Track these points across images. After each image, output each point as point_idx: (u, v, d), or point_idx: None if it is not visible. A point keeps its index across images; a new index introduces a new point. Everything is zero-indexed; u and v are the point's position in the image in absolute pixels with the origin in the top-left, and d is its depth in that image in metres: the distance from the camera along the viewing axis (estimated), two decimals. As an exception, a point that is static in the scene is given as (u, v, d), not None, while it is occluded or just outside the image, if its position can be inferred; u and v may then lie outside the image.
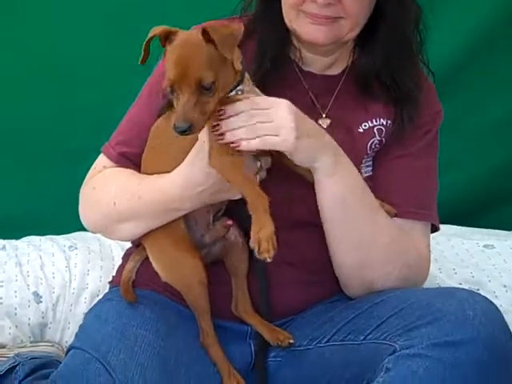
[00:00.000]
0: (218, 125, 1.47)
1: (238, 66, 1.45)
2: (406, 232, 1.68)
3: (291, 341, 1.63)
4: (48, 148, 2.55)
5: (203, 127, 1.44)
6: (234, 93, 1.49)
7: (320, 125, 1.67)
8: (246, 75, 1.52)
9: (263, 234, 1.39)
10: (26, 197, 2.58)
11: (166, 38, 1.43)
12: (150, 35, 1.43)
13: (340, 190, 1.59)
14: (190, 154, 1.55)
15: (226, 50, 1.39)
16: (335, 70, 1.73)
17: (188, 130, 1.38)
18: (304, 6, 1.60)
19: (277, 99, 1.50)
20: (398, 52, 1.67)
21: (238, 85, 1.49)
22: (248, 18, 1.71)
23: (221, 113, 1.46)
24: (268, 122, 1.47)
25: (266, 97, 1.51)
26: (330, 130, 1.65)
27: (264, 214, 1.41)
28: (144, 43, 1.44)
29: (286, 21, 1.64)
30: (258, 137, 1.46)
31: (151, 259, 1.66)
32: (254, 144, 1.46)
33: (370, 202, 1.63)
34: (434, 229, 1.77)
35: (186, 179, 1.56)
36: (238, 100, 1.48)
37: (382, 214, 1.65)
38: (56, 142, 2.55)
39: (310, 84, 1.71)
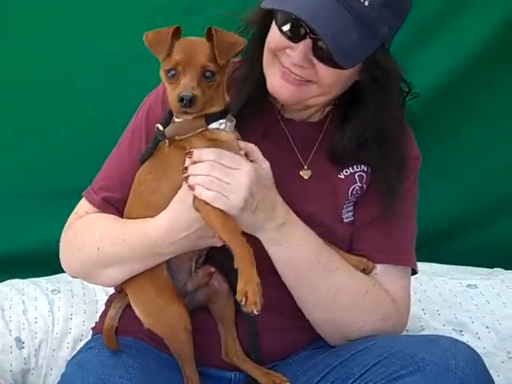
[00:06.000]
0: (187, 168, 1.51)
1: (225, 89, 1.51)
2: (378, 285, 1.67)
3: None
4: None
5: (202, 108, 1.49)
6: (216, 124, 1.52)
7: (301, 176, 1.69)
8: (230, 115, 1.54)
9: (249, 287, 1.41)
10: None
11: (176, 33, 1.51)
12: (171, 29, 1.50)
13: (289, 258, 1.59)
14: (174, 198, 1.55)
15: (222, 54, 1.48)
16: (316, 118, 1.73)
17: (192, 101, 1.46)
18: (280, 53, 1.59)
19: (244, 162, 1.51)
20: (375, 137, 1.66)
21: (221, 117, 1.52)
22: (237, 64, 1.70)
23: (189, 155, 1.50)
24: (225, 181, 1.49)
25: (235, 155, 1.52)
26: (311, 180, 1.67)
27: (250, 268, 1.43)
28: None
29: (264, 65, 1.64)
30: (211, 190, 1.48)
31: (134, 306, 1.65)
32: (206, 196, 1.49)
33: (326, 265, 1.61)
34: (413, 271, 1.76)
35: (170, 224, 1.55)
36: (207, 147, 1.50)
37: (346, 273, 1.63)
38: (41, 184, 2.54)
39: (292, 131, 1.71)
